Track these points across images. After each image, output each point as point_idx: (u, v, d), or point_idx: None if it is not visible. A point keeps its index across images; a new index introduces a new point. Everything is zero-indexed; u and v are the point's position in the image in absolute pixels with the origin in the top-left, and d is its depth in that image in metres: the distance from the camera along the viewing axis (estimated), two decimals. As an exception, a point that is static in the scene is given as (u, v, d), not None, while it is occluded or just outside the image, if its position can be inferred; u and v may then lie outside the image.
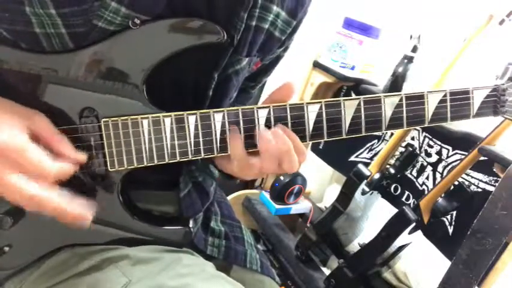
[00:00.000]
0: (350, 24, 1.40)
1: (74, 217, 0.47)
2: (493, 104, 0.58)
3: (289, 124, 0.53)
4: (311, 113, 0.53)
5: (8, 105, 0.47)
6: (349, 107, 0.53)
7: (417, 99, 0.55)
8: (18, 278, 0.57)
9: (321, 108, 0.53)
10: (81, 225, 0.48)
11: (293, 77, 1.41)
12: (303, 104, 0.53)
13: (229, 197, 1.58)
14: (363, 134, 0.54)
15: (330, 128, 0.54)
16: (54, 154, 0.47)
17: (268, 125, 0.53)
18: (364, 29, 1.38)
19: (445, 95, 0.55)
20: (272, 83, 0.68)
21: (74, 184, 0.51)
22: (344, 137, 0.54)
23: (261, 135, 0.52)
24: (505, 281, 0.93)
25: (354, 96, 0.53)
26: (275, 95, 0.55)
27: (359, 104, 0.53)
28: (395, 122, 0.55)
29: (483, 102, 0.57)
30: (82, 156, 0.50)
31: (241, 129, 0.53)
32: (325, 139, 0.54)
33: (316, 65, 1.46)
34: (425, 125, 0.55)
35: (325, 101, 0.53)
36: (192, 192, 0.66)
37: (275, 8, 0.59)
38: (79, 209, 0.47)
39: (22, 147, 0.44)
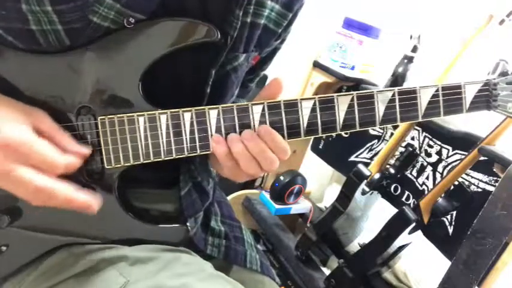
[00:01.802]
0: (350, 24, 1.40)
1: (82, 205, 0.49)
2: (486, 99, 0.58)
3: (284, 120, 0.53)
4: (305, 109, 0.53)
5: (9, 102, 0.48)
6: (342, 103, 0.53)
7: (409, 94, 0.55)
8: (16, 278, 0.57)
9: (314, 104, 0.53)
10: (90, 211, 0.49)
11: (293, 77, 1.42)
12: (297, 100, 0.53)
13: (229, 197, 1.58)
14: (357, 129, 0.55)
15: (324, 124, 0.54)
16: (58, 148, 0.48)
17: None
18: (364, 29, 1.38)
19: (437, 90, 0.55)
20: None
21: (72, 182, 0.51)
22: (339, 132, 0.55)
23: (229, 139, 0.52)
24: (505, 281, 0.92)
25: (353, 96, 0.54)
26: (265, 93, 0.55)
27: (352, 100, 0.54)
28: (388, 117, 0.55)
29: (475, 96, 0.57)
30: (86, 150, 0.51)
31: (236, 125, 0.53)
32: (320, 135, 0.54)
33: (316, 65, 1.46)
34: (419, 120, 0.55)
35: (319, 97, 0.53)
36: (192, 191, 0.66)
37: (269, 3, 0.59)
38: (87, 197, 0.49)
39: (29, 140, 0.45)
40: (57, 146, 0.49)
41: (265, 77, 0.79)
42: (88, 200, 0.49)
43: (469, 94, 0.56)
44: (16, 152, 0.44)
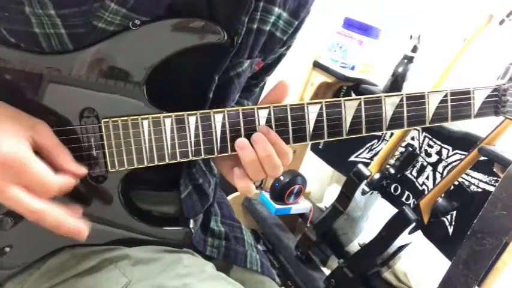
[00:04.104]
0: (350, 24, 1.40)
1: (71, 231, 0.47)
2: (494, 104, 0.58)
3: (290, 124, 0.53)
4: (311, 114, 0.53)
5: (10, 112, 0.47)
6: (349, 107, 0.53)
7: (418, 99, 0.54)
8: (18, 278, 0.56)
9: (321, 108, 0.53)
10: (78, 239, 0.47)
11: (293, 77, 1.41)
12: (303, 104, 0.53)
13: (229, 197, 1.58)
14: (364, 134, 0.54)
15: (330, 128, 0.54)
16: (55, 165, 0.48)
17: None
18: (364, 29, 1.38)
19: (445, 95, 0.55)
20: (273, 82, 0.68)
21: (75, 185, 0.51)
22: (344, 137, 0.54)
23: (239, 145, 0.52)
24: (505, 281, 0.93)
25: (354, 96, 0.53)
26: (270, 96, 0.54)
27: (359, 104, 0.53)
28: (396, 122, 0.54)
29: (484, 102, 0.57)
30: (83, 170, 0.50)
31: (242, 129, 0.53)
32: (326, 139, 0.54)
33: (316, 65, 1.46)
34: (426, 125, 0.55)
35: (326, 101, 0.53)
36: (193, 193, 0.66)
37: (277, 10, 0.59)
38: (76, 224, 0.47)
39: (24, 159, 0.44)
40: (55, 162, 0.48)
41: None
42: (77, 227, 0.47)
43: (477, 100, 0.56)
44: (9, 170, 0.43)
